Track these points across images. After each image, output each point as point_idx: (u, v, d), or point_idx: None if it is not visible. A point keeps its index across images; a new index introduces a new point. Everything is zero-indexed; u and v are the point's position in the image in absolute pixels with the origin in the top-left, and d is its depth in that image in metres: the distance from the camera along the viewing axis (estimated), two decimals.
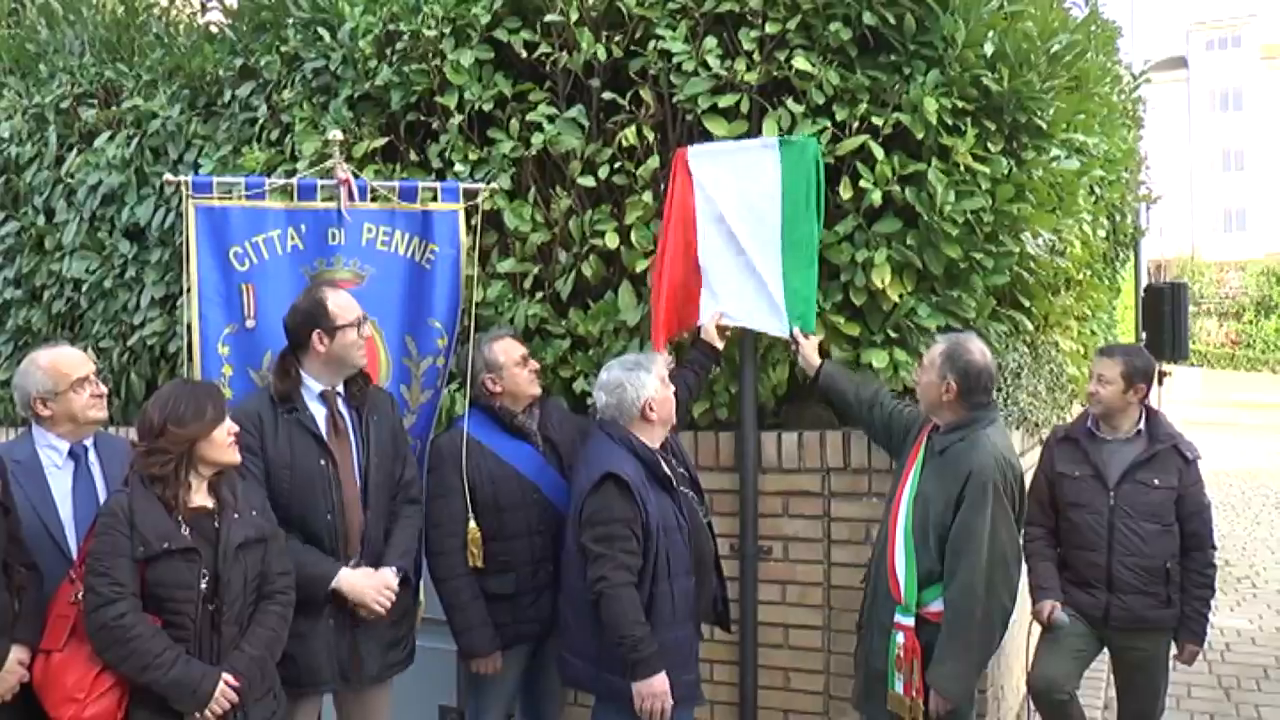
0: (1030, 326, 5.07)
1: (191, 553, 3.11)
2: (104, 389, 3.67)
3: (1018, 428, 5.18)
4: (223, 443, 3.24)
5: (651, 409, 3.77)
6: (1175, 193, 50.68)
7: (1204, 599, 4.38)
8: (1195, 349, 34.62)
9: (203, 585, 3.11)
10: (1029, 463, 5.60)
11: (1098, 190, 6.64)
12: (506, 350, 4.06)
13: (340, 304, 3.74)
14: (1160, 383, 10.65)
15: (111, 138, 5.97)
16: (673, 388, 3.91)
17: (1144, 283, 11.31)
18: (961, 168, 4.32)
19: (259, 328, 4.00)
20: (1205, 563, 4.38)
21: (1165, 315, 9.81)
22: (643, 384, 3.78)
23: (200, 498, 3.24)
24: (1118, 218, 8.63)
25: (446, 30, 4.90)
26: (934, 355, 3.89)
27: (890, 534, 3.83)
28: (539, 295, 4.89)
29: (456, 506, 3.90)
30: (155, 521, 3.09)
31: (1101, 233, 7.14)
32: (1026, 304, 4.94)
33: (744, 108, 4.54)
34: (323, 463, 3.62)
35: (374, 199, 4.27)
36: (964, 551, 3.61)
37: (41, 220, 6.26)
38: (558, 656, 3.86)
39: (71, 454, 3.60)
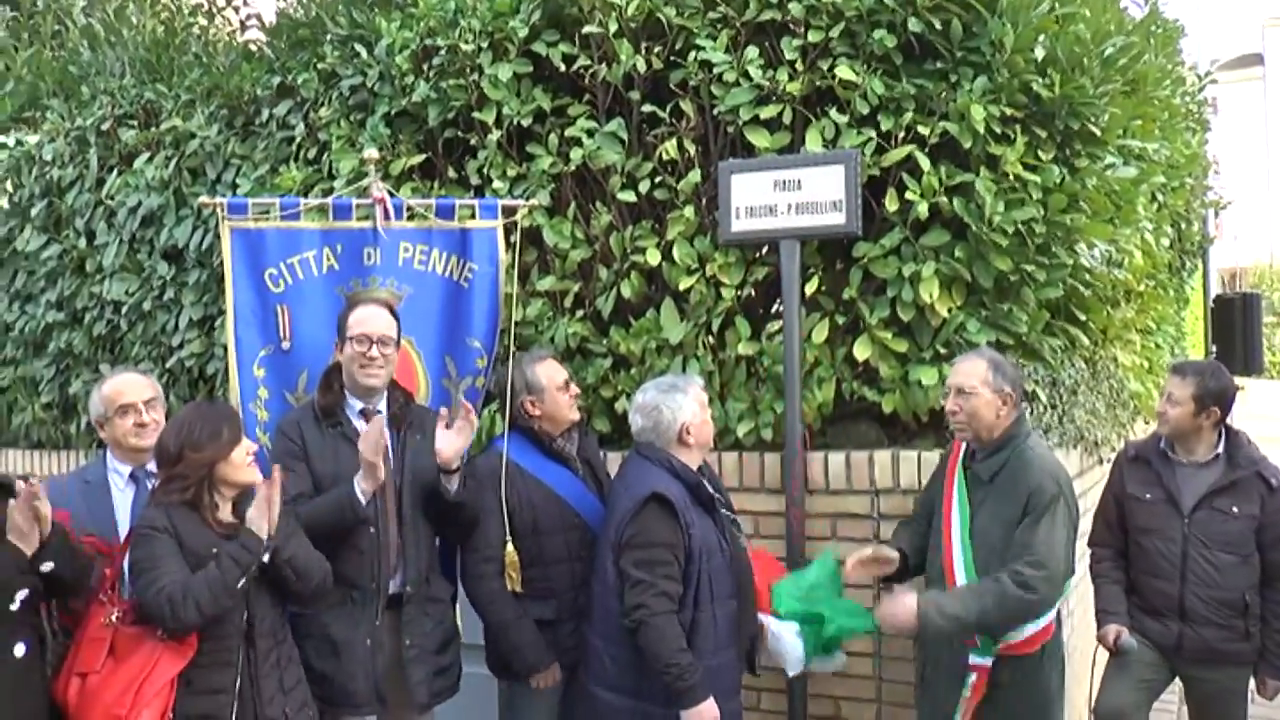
0: (1087, 341, 5.04)
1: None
2: (152, 418, 3.65)
3: (1075, 446, 5.15)
4: (241, 463, 3.31)
5: (689, 432, 3.76)
6: (1253, 197, 49.79)
7: None
8: (1275, 361, 33.86)
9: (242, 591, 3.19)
10: (1089, 484, 5.58)
11: (1159, 197, 6.58)
12: (549, 374, 4.07)
13: (360, 317, 3.79)
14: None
15: (150, 159, 6.14)
16: (709, 411, 3.91)
17: (1214, 293, 11.16)
18: (1011, 177, 4.32)
19: (294, 349, 4.09)
20: None
21: (1237, 327, 9.68)
22: (679, 406, 3.77)
23: (227, 517, 3.33)
24: (1183, 225, 8.55)
25: (484, 44, 4.99)
26: (979, 374, 3.79)
27: (948, 577, 3.73)
28: (579, 313, 4.95)
29: (494, 529, 3.93)
30: (196, 532, 3.19)
31: (1165, 241, 7.06)
32: (1083, 318, 4.90)
33: (787, 119, 4.58)
34: None
35: (410, 218, 4.35)
36: (1027, 547, 3.57)
37: (83, 243, 6.43)
38: (585, 692, 3.81)
39: (133, 477, 3.67)
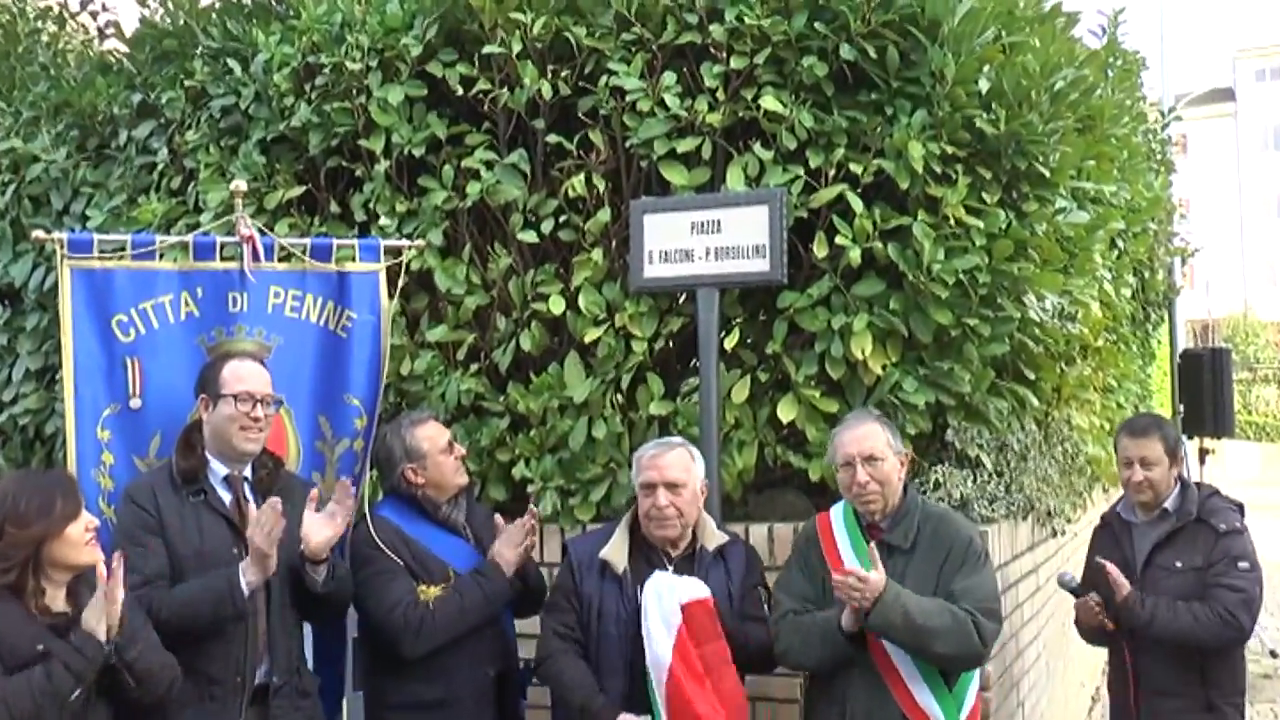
0: (1037, 402, 5.12)
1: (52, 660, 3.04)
2: None
3: (1025, 517, 5.21)
4: (79, 541, 3.15)
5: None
6: (1224, 242, 51.21)
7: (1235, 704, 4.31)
8: (1251, 421, 34.65)
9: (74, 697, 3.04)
10: (1041, 558, 5.65)
11: (1119, 244, 6.75)
12: (430, 437, 4.04)
13: (237, 373, 3.73)
14: (1203, 461, 10.73)
15: None
16: None
17: (1181, 347, 11.43)
18: (952, 221, 4.39)
19: (146, 408, 3.99)
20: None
21: (1206, 384, 9.89)
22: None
23: (58, 604, 3.18)
24: (1146, 274, 8.77)
25: (373, 63, 4.98)
26: (879, 439, 3.75)
27: (881, 669, 3.65)
28: (474, 367, 4.93)
29: (404, 581, 3.87)
30: (17, 625, 3.04)
31: (1127, 292, 7.25)
32: (1032, 376, 4.99)
33: (706, 153, 4.63)
34: (235, 551, 3.58)
35: (283, 259, 4.30)
36: (973, 594, 3.59)
37: None
38: None
39: None
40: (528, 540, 4.00)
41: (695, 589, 3.73)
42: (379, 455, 4.10)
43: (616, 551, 3.84)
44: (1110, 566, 4.33)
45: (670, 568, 3.82)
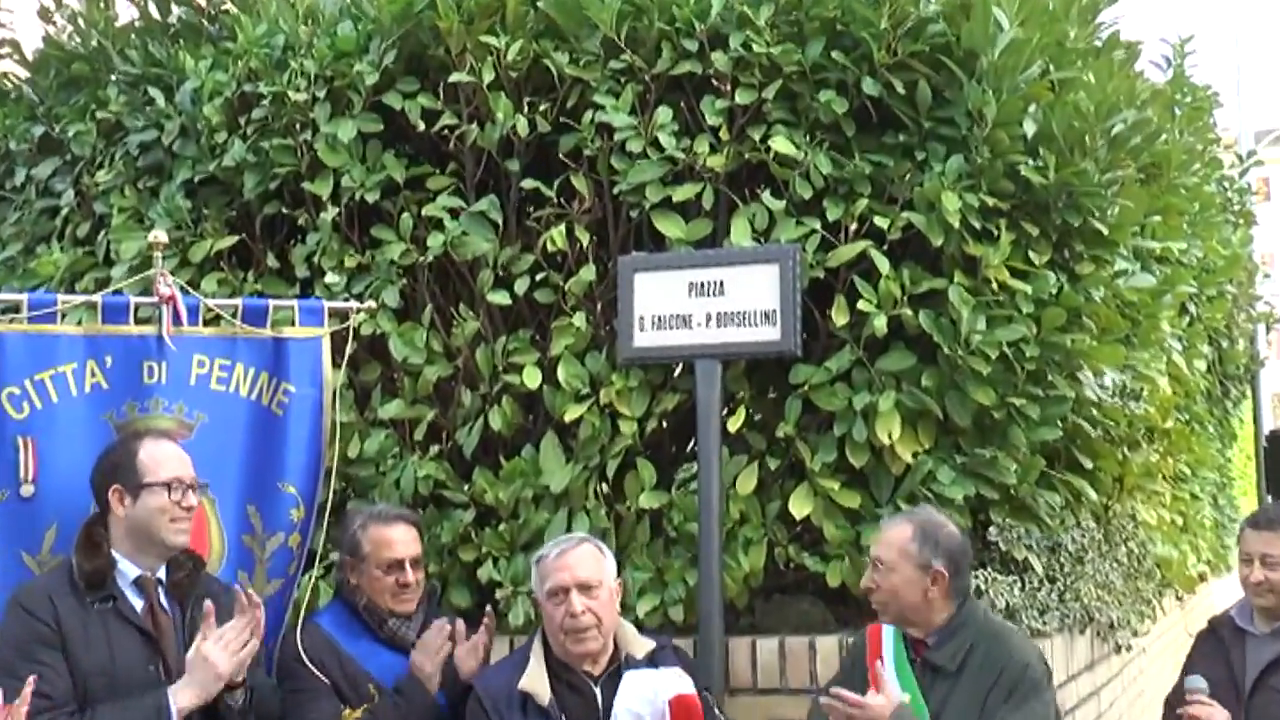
0: (1095, 495, 5.13)
1: None
2: None
3: (1082, 630, 5.19)
4: None
5: None
6: None
7: None
8: None
9: None
10: (1101, 678, 5.61)
11: (1191, 309, 6.78)
12: (384, 541, 4.02)
13: (157, 456, 3.71)
14: None
15: None
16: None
17: (1268, 427, 11.44)
18: (994, 285, 4.42)
19: (40, 496, 3.94)
20: None
21: None
22: None
23: None
24: (1224, 344, 8.78)
25: (320, 93, 5.00)
26: (899, 543, 3.78)
27: None
28: (434, 450, 4.91)
29: (327, 704, 3.85)
30: None
31: (1201, 365, 7.26)
32: (1090, 465, 5.00)
33: (707, 202, 4.64)
34: (152, 668, 3.56)
35: (209, 322, 4.29)
36: None
37: None
38: None
39: None
40: (446, 650, 3.99)
41: (678, 683, 3.73)
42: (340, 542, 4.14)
43: (537, 681, 3.75)
44: (1199, 687, 4.22)
45: (597, 689, 3.77)
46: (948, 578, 3.76)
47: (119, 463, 3.71)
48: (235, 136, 5.12)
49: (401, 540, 4.09)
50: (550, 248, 4.77)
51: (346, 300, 4.66)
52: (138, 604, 3.66)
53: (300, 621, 3.99)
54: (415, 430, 4.95)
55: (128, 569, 3.69)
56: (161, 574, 3.75)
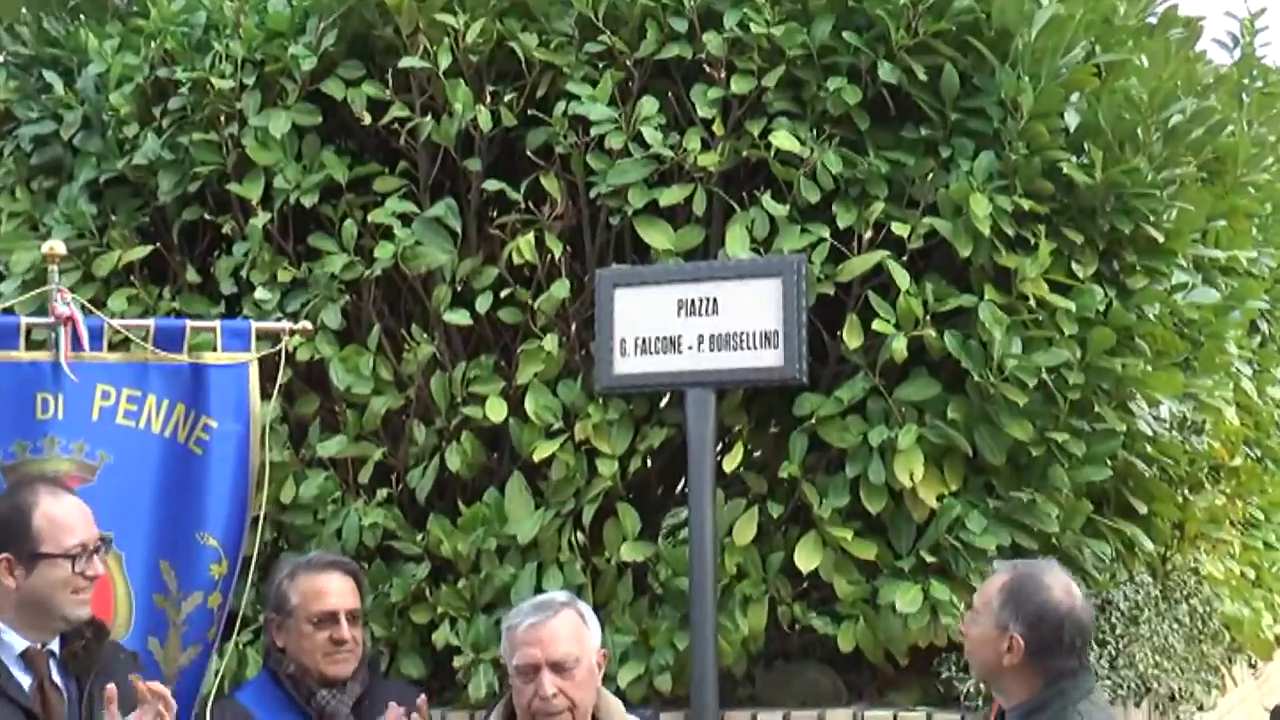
0: (1150, 545, 5.10)
1: None
2: None
3: (1138, 703, 5.14)
4: None
5: None
6: None
7: None
8: None
9: None
10: None
11: (1263, 328, 6.73)
12: (315, 592, 3.97)
13: (58, 518, 3.65)
14: None
15: None
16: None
17: None
18: (1032, 301, 4.41)
19: None
20: None
21: None
22: None
23: None
24: None
25: (249, 80, 5.01)
26: (988, 593, 3.82)
27: None
28: (382, 494, 4.89)
29: None
30: None
31: (1275, 391, 7.22)
32: (1144, 509, 4.98)
33: (699, 207, 4.64)
34: None
35: (115, 346, 4.25)
36: None
37: None
38: None
39: None
40: None
41: None
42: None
43: None
44: None
45: None
46: (1023, 648, 3.74)
47: (8, 524, 3.63)
48: (148, 130, 5.11)
49: (336, 591, 4.02)
50: (517, 259, 4.76)
51: (279, 320, 4.63)
52: (25, 681, 3.61)
53: (213, 696, 3.96)
54: (360, 471, 4.93)
55: (14, 641, 3.62)
56: (55, 644, 3.71)
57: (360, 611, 4.12)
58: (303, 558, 4.20)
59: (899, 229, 4.46)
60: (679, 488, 4.86)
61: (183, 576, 4.17)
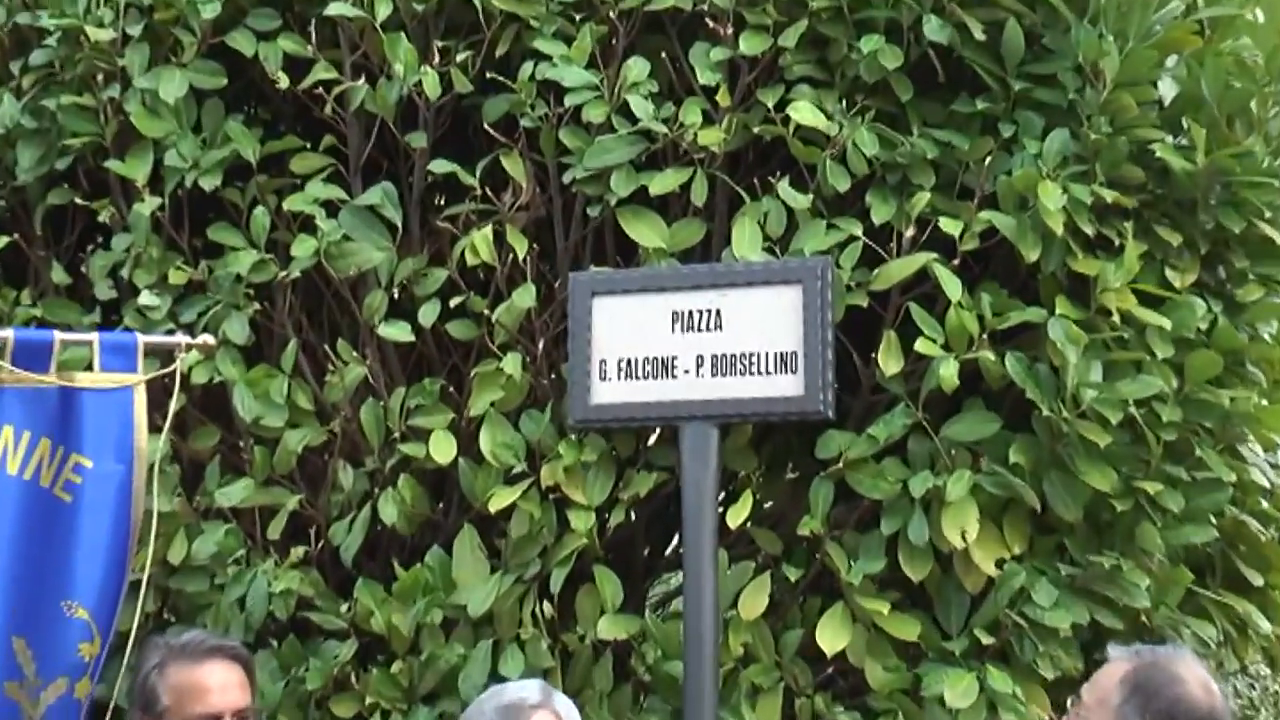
0: (1268, 624, 5.07)
1: None
2: None
3: None
4: None
5: None
6: None
7: None
8: None
9: None
10: None
11: None
12: (181, 688, 3.95)
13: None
14: None
15: None
16: None
17: None
18: (1115, 317, 4.42)
19: None
20: None
21: None
22: None
23: None
24: None
25: (134, 30, 5.02)
26: (1105, 686, 3.77)
27: None
28: (298, 553, 4.90)
29: None
30: None
31: None
32: (1259, 580, 4.97)
33: (699, 195, 4.64)
34: None
35: None
36: None
37: None
38: None
39: None
40: None
41: None
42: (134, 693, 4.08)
43: None
44: None
45: None
46: None
47: None
48: (4, 91, 5.14)
49: (219, 685, 3.97)
50: (471, 259, 4.76)
51: (171, 333, 4.65)
52: None
53: None
54: (270, 524, 4.93)
55: None
56: None
57: (253, 711, 4.06)
58: (177, 640, 4.06)
59: (949, 225, 4.46)
60: (671, 547, 4.87)
61: (43, 659, 4.15)
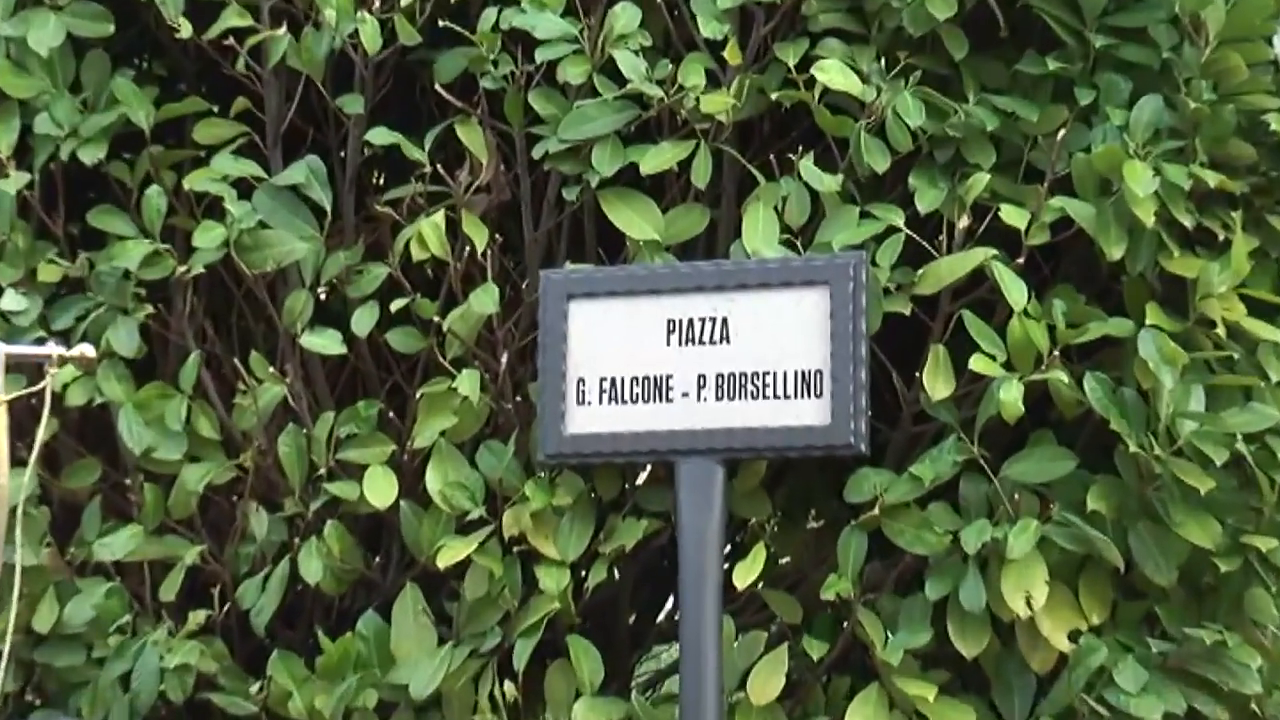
0: None
1: None
2: None
3: None
4: None
5: None
6: None
7: None
8: None
9: None
10: None
11: None
12: None
13: None
14: None
15: None
16: None
17: None
18: (1220, 329, 4.30)
19: None
20: None
21: None
22: None
23: None
24: None
25: None
26: None
27: None
28: (198, 618, 4.80)
29: None
30: None
31: None
32: None
33: (701, 175, 4.52)
34: None
35: None
36: None
37: None
38: None
39: None
40: None
41: None
42: None
43: None
44: None
45: None
46: None
47: None
48: None
49: None
50: (418, 253, 4.66)
51: (41, 342, 4.53)
52: None
53: None
54: (164, 582, 4.83)
55: None
56: None
57: None
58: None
59: (1012, 215, 4.33)
60: (662, 611, 4.78)
61: None
